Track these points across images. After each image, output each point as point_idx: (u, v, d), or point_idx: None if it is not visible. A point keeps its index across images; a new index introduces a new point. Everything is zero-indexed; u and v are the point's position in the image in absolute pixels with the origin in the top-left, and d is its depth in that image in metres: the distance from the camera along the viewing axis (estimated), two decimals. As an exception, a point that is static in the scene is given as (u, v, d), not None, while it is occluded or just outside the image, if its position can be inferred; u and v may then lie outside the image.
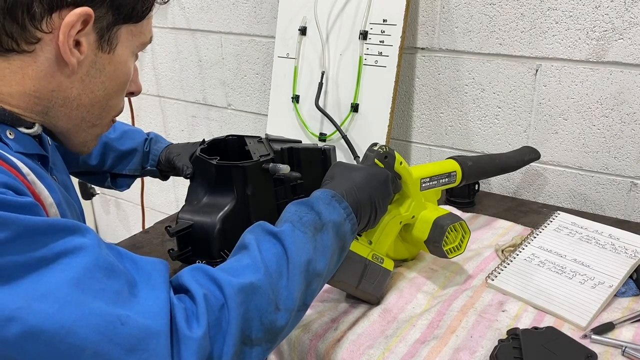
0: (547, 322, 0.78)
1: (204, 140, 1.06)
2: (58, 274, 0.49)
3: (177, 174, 1.06)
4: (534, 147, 1.17)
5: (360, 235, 0.81)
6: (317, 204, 0.68)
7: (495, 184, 1.29)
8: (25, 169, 0.59)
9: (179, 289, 0.58)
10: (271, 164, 0.96)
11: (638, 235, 0.93)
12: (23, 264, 0.48)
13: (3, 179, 0.53)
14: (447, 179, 0.95)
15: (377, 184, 0.75)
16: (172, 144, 1.12)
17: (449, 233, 0.84)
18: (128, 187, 1.13)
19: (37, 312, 0.47)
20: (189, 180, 1.01)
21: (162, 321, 0.52)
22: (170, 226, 0.94)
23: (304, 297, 0.63)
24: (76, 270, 0.50)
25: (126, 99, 0.76)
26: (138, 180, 1.78)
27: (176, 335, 0.52)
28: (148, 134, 1.13)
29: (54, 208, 0.62)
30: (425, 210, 0.88)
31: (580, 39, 1.10)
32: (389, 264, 0.83)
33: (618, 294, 0.83)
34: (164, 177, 1.13)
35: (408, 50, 1.28)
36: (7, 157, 0.57)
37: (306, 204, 0.68)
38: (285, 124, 1.39)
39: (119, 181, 1.11)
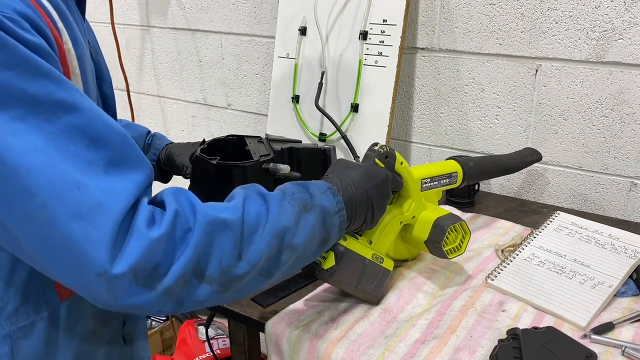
0: (547, 322, 0.78)
1: (204, 140, 1.06)
2: (42, 121, 0.51)
3: (177, 173, 1.06)
4: (534, 147, 1.17)
5: (360, 235, 0.81)
6: (312, 188, 0.68)
7: (495, 184, 1.29)
8: (46, 4, 0.58)
9: (156, 202, 0.58)
10: (271, 164, 0.96)
11: (638, 235, 0.93)
12: (11, 93, 0.50)
13: (19, 6, 0.53)
14: (448, 180, 0.95)
15: (376, 183, 0.75)
16: (173, 142, 1.11)
17: (449, 233, 0.84)
18: None
19: (6, 143, 0.49)
20: (188, 180, 1.01)
21: (119, 206, 0.53)
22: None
23: (271, 262, 0.63)
24: (59, 127, 0.52)
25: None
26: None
27: (131, 228, 0.53)
28: (150, 130, 1.13)
29: (74, 61, 0.61)
30: (426, 210, 0.88)
31: (580, 39, 1.10)
32: (388, 264, 0.83)
33: (618, 294, 0.83)
34: (164, 177, 1.12)
35: (408, 50, 1.29)
36: None
37: (302, 185, 0.69)
38: (285, 124, 1.39)
39: None
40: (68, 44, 0.60)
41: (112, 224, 0.51)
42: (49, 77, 0.52)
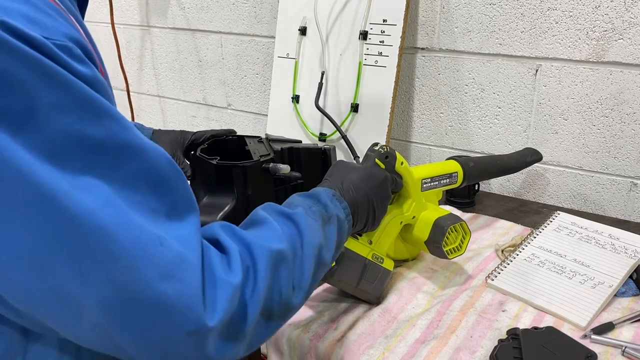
0: (547, 322, 0.78)
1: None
2: (106, 169, 0.44)
3: None
4: (534, 147, 1.17)
5: (360, 235, 0.81)
6: (323, 197, 0.67)
7: (495, 184, 1.29)
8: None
9: (209, 240, 0.53)
10: (271, 164, 0.96)
11: (638, 235, 0.93)
12: (75, 141, 0.43)
13: (66, 27, 0.46)
14: (448, 180, 0.95)
15: (375, 185, 0.74)
16: (155, 130, 1.02)
17: (449, 234, 0.84)
18: None
19: (79, 202, 0.42)
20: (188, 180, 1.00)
21: (196, 255, 0.48)
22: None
23: (312, 281, 0.60)
24: (124, 174, 0.45)
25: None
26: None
27: (211, 276, 0.48)
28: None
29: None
30: (426, 210, 0.88)
31: (580, 39, 1.10)
32: (389, 264, 0.83)
33: (618, 294, 0.83)
34: None
35: (408, 50, 1.28)
36: None
37: (312, 197, 0.66)
38: (285, 124, 1.39)
39: None
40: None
41: (197, 276, 0.47)
42: (110, 116, 0.45)
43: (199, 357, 0.48)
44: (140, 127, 1.05)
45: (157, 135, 1.04)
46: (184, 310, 0.45)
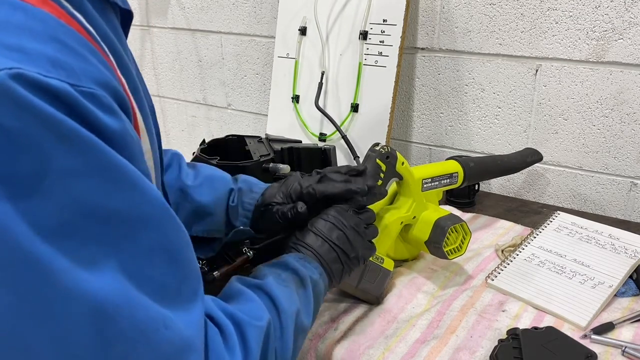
0: (547, 322, 0.78)
1: (204, 140, 1.06)
2: (118, 241, 0.40)
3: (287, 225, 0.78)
4: (534, 147, 1.17)
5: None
6: (291, 262, 0.63)
7: (495, 184, 1.29)
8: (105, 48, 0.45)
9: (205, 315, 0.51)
10: (271, 164, 0.96)
11: (638, 235, 0.93)
12: (87, 211, 0.38)
13: (95, 69, 0.41)
14: (448, 180, 0.95)
15: (342, 232, 0.68)
16: (264, 190, 0.82)
17: (449, 234, 0.84)
18: (213, 252, 0.84)
19: (80, 281, 0.38)
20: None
21: (201, 336, 0.45)
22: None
23: (294, 351, 0.57)
24: (139, 247, 0.41)
25: None
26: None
27: (216, 358, 0.46)
28: (236, 179, 0.85)
29: (140, 119, 0.49)
30: (426, 211, 0.88)
31: (580, 39, 1.10)
32: (389, 264, 0.83)
33: (618, 294, 0.83)
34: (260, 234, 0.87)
35: (408, 50, 1.28)
36: (82, 20, 0.43)
37: (279, 264, 0.63)
38: (285, 124, 1.39)
39: (198, 245, 0.82)
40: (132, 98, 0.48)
41: None
42: (131, 185, 0.41)
43: None
44: (247, 190, 0.84)
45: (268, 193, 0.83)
46: None
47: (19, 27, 0.38)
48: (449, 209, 1.08)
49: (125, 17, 0.55)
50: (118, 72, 0.46)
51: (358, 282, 0.80)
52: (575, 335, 0.74)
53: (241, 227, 0.81)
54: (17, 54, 0.37)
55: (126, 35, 0.56)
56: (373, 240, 0.80)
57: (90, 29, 0.45)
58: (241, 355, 0.48)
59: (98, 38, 0.45)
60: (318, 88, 1.28)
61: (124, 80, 0.47)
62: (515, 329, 0.74)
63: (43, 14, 0.40)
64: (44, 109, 0.36)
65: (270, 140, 1.07)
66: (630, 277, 0.86)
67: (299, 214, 0.72)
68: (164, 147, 0.73)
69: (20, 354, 0.38)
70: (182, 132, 1.85)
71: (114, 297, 0.39)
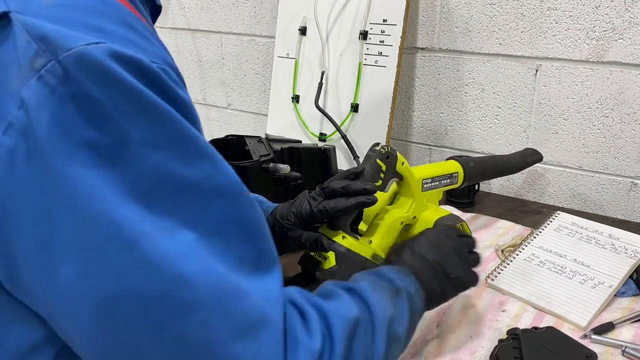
0: (547, 322, 0.78)
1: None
2: (195, 212, 0.41)
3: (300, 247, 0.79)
4: (534, 147, 1.17)
5: (360, 235, 0.80)
6: (387, 273, 0.61)
7: (496, 184, 1.29)
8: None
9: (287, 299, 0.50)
10: (271, 164, 0.96)
11: (638, 235, 0.93)
12: (165, 180, 0.40)
13: (162, 52, 0.44)
14: (449, 180, 0.95)
15: (444, 251, 0.67)
16: (277, 207, 0.83)
17: (449, 233, 0.84)
18: None
19: (160, 246, 0.39)
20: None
21: (279, 313, 0.44)
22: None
23: (386, 356, 0.54)
24: (213, 219, 0.42)
25: None
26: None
27: (293, 339, 0.44)
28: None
29: None
30: (427, 211, 0.88)
31: (580, 39, 1.10)
32: (389, 264, 0.83)
33: (618, 294, 0.83)
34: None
35: (408, 50, 1.28)
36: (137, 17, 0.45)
37: (374, 273, 0.61)
38: (285, 124, 1.39)
39: None
40: None
41: (278, 336, 0.43)
42: (206, 156, 0.42)
43: None
44: (263, 202, 0.87)
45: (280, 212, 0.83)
46: None
47: (97, 11, 0.42)
48: (449, 209, 1.08)
49: (155, 12, 0.59)
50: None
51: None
52: (575, 335, 0.74)
53: None
54: (99, 33, 0.40)
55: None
56: (372, 240, 0.81)
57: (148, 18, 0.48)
58: (321, 342, 0.46)
59: (152, 28, 0.48)
60: (318, 88, 1.28)
61: None
62: (515, 329, 0.74)
63: (115, 2, 0.44)
64: (132, 82, 0.39)
65: (270, 140, 1.07)
66: (630, 277, 0.86)
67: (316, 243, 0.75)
68: None
69: (107, 319, 0.39)
70: (182, 132, 1.85)
71: (194, 264, 0.40)
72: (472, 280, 0.69)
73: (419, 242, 0.68)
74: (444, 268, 0.65)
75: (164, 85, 0.41)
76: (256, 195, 0.87)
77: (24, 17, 0.39)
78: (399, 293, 0.59)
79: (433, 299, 0.65)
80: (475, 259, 0.71)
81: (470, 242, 0.71)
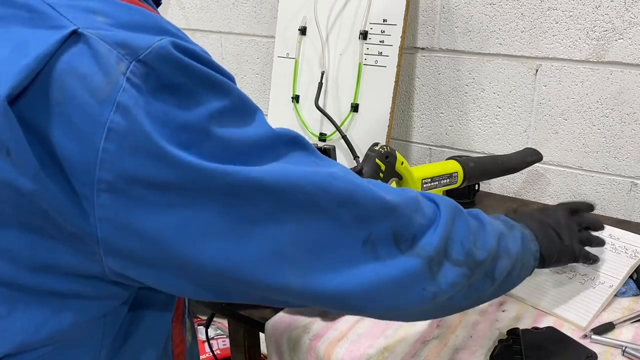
0: (547, 322, 0.78)
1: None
2: (300, 155, 0.50)
3: None
4: (534, 147, 1.17)
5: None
6: (502, 217, 0.69)
7: (496, 184, 1.29)
8: None
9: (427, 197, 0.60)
10: (271, 164, 0.96)
11: (638, 235, 0.93)
12: (242, 140, 0.47)
13: (197, 47, 0.49)
14: (448, 180, 0.95)
15: (557, 219, 0.73)
16: None
17: (449, 233, 0.84)
18: None
19: (295, 171, 0.48)
20: None
21: (406, 203, 0.54)
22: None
23: (493, 263, 0.61)
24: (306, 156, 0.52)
25: None
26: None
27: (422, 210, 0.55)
28: None
29: None
30: (426, 210, 0.88)
31: (580, 39, 1.10)
32: (389, 264, 0.83)
33: (618, 294, 0.83)
34: None
35: (408, 50, 1.28)
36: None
37: (497, 217, 0.68)
38: (285, 124, 1.39)
39: None
40: None
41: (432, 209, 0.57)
42: (254, 111, 0.52)
43: (432, 284, 0.54)
44: None
45: None
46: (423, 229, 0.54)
47: (142, 24, 0.46)
48: (449, 209, 1.08)
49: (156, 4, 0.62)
50: None
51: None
52: (575, 335, 0.74)
53: None
54: (156, 32, 0.45)
55: None
56: None
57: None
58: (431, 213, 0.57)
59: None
60: (318, 88, 1.28)
61: None
62: (515, 329, 0.74)
63: (148, 12, 0.48)
64: (196, 66, 0.44)
65: (270, 140, 1.07)
66: (631, 277, 0.85)
67: None
68: None
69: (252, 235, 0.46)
70: (182, 132, 1.85)
71: (293, 173, 0.48)
72: (584, 254, 0.76)
73: (532, 209, 0.73)
74: (558, 232, 0.71)
75: (214, 65, 0.47)
76: None
77: (95, 31, 0.42)
78: (513, 227, 0.66)
79: (546, 257, 0.70)
80: (587, 237, 0.76)
81: (584, 220, 0.77)
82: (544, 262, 0.70)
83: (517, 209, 0.75)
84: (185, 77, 0.44)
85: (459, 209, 0.59)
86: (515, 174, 1.22)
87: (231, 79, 0.49)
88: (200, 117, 0.44)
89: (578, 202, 0.80)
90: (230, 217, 0.45)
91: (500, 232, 0.62)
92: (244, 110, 0.49)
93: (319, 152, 0.54)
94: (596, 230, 0.79)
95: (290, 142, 0.51)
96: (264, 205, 0.46)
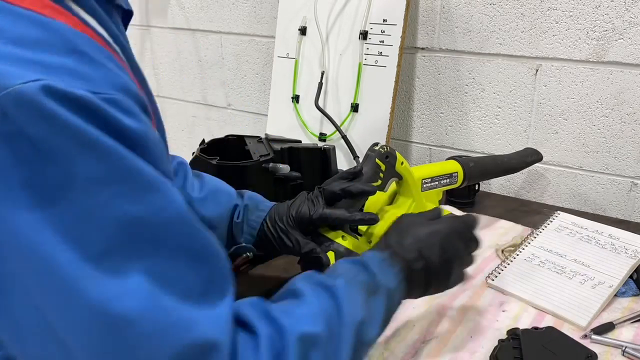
0: (547, 322, 0.78)
1: (203, 140, 1.06)
2: (143, 246, 0.41)
3: (287, 252, 0.81)
4: (534, 147, 1.17)
5: (360, 235, 0.80)
6: (371, 265, 0.60)
7: (496, 184, 1.29)
8: (117, 49, 0.46)
9: (238, 321, 0.48)
10: (271, 164, 0.96)
11: (638, 235, 0.93)
12: (111, 218, 0.39)
13: (118, 77, 0.42)
14: (448, 180, 0.95)
15: (438, 242, 0.64)
16: (271, 209, 0.82)
17: (449, 233, 0.84)
18: None
19: (101, 288, 0.39)
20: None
21: (227, 338, 0.44)
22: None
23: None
24: (164, 250, 0.42)
25: None
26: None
27: None
28: (241, 194, 0.85)
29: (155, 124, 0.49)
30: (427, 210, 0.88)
31: (580, 39, 1.10)
32: (389, 264, 0.83)
33: (618, 294, 0.83)
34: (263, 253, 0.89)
35: (408, 50, 1.28)
36: (98, 29, 0.44)
37: (359, 264, 0.60)
38: (285, 124, 1.39)
39: None
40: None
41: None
42: (154, 189, 0.41)
43: None
44: (253, 207, 0.84)
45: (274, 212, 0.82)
46: None
47: (38, 41, 0.40)
48: (449, 209, 1.08)
49: (126, 17, 0.57)
50: (132, 73, 0.46)
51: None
52: (575, 335, 0.74)
53: (243, 244, 0.83)
54: (40, 67, 0.39)
55: (126, 26, 0.58)
56: (372, 240, 0.81)
57: (104, 33, 0.46)
58: None
59: (111, 41, 0.46)
60: (318, 88, 1.28)
61: (137, 81, 0.47)
62: (515, 329, 0.74)
63: (59, 25, 0.42)
64: (69, 119, 0.37)
65: (270, 140, 1.07)
66: (631, 277, 0.85)
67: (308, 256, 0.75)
68: None
69: (59, 353, 0.40)
70: (182, 132, 1.85)
71: (140, 302, 0.39)
72: (459, 279, 0.68)
73: (424, 234, 0.65)
74: (433, 262, 0.63)
75: (107, 118, 0.39)
76: (253, 193, 0.87)
77: None
78: (377, 291, 0.58)
79: (415, 292, 0.64)
80: (470, 260, 0.69)
81: (473, 245, 0.69)
82: (412, 296, 0.65)
83: (398, 231, 0.66)
84: (45, 131, 0.37)
85: (312, 338, 0.49)
86: (515, 174, 1.22)
87: (132, 139, 0.41)
88: (52, 180, 0.38)
89: (368, 219, 0.73)
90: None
91: (360, 322, 0.54)
92: (127, 183, 0.40)
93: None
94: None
95: (184, 250, 0.43)
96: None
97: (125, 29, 0.57)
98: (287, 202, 0.81)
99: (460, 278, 0.68)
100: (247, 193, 0.86)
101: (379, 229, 0.83)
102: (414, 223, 0.67)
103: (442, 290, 0.67)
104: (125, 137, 0.40)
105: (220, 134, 1.39)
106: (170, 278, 0.42)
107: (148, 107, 0.46)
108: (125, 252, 0.40)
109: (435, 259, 0.63)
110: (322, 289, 0.54)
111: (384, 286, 0.59)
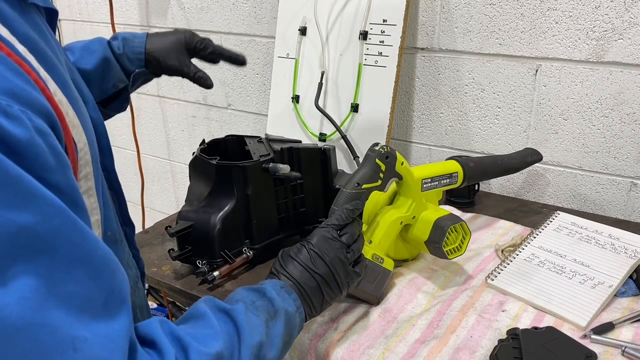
0: (547, 322, 0.78)
1: (203, 140, 1.06)
2: (33, 256, 0.39)
3: (177, 74, 0.94)
4: (534, 147, 1.17)
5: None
6: (269, 291, 0.63)
7: (495, 184, 1.29)
8: (21, 49, 0.43)
9: (145, 340, 0.49)
10: (271, 164, 0.96)
11: (638, 235, 0.93)
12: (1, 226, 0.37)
13: (9, 81, 0.39)
14: (448, 180, 0.95)
15: (325, 263, 0.68)
16: (149, 36, 0.94)
17: (449, 234, 0.84)
18: (127, 102, 0.96)
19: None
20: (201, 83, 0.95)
21: (121, 353, 0.43)
22: (170, 226, 0.94)
23: None
24: (57, 260, 0.40)
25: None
26: (137, 182, 1.79)
27: None
28: (115, 36, 0.93)
29: (71, 117, 0.48)
30: (426, 210, 0.88)
31: (580, 39, 1.10)
32: (389, 264, 0.83)
33: (618, 294, 0.83)
34: (157, 75, 0.98)
35: (408, 50, 1.28)
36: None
37: (257, 290, 0.63)
38: (285, 124, 1.39)
39: (111, 106, 0.94)
40: (60, 98, 0.46)
41: None
42: (41, 197, 0.39)
43: None
44: (131, 38, 0.93)
45: (153, 39, 0.94)
46: None
47: None
48: (449, 209, 1.08)
49: (51, 15, 0.57)
50: (38, 73, 0.44)
51: (358, 282, 0.80)
52: (575, 335, 0.74)
53: (137, 70, 0.93)
54: None
55: (54, 31, 0.57)
56: (372, 240, 0.81)
57: (2, 32, 0.43)
58: None
59: (10, 40, 0.43)
60: (318, 88, 1.28)
61: (46, 80, 0.45)
62: (515, 329, 0.74)
63: None
64: None
65: (270, 140, 1.07)
66: (630, 277, 0.86)
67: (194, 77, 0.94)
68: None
69: None
70: (182, 132, 1.85)
71: (18, 317, 0.37)
72: (353, 279, 0.71)
73: (303, 254, 0.69)
74: (326, 279, 0.68)
75: (32, 157, 0.38)
76: (124, 32, 0.95)
77: None
78: (276, 315, 0.61)
79: (315, 309, 0.68)
80: (356, 252, 0.72)
81: (349, 237, 0.71)
82: (313, 315, 0.69)
83: (291, 257, 0.69)
84: None
85: (216, 356, 0.51)
86: (515, 174, 1.22)
87: (14, 146, 0.38)
88: None
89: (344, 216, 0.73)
90: None
91: (259, 344, 0.57)
92: (9, 192, 0.37)
93: None
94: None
95: (79, 261, 0.41)
96: None
97: (53, 28, 0.57)
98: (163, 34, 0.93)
99: (353, 275, 0.71)
100: (120, 33, 0.94)
101: (379, 229, 0.83)
102: (288, 250, 0.70)
103: (342, 294, 0.71)
104: (5, 143, 0.38)
105: (220, 134, 1.39)
106: (63, 291, 0.40)
107: (54, 106, 0.44)
108: (13, 263, 0.38)
109: (322, 269, 0.68)
110: (222, 313, 0.57)
111: (282, 310, 0.62)
